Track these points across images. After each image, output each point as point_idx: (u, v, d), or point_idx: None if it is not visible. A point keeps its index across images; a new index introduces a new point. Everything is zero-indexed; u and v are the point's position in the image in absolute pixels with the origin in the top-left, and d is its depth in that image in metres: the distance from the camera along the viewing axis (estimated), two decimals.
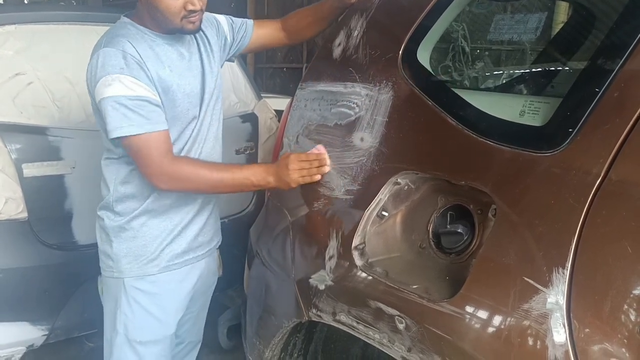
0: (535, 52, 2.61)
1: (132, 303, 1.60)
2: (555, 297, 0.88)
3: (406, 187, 1.26)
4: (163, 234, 1.60)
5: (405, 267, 1.22)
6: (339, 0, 1.63)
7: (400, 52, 1.36)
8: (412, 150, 1.26)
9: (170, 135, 1.49)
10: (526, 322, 0.91)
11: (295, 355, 1.55)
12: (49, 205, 2.13)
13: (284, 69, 7.17)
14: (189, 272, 1.68)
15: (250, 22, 1.77)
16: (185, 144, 1.56)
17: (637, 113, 0.89)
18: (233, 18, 1.75)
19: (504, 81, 2.33)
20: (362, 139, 1.35)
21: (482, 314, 0.98)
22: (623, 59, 0.95)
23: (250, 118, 2.74)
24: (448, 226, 1.18)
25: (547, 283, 0.90)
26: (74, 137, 2.14)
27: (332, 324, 1.30)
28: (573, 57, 2.10)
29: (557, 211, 0.93)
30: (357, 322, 1.21)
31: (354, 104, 1.41)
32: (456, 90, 1.28)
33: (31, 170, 2.04)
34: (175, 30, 1.47)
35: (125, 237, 1.58)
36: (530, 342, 0.90)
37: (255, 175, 1.47)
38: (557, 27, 2.37)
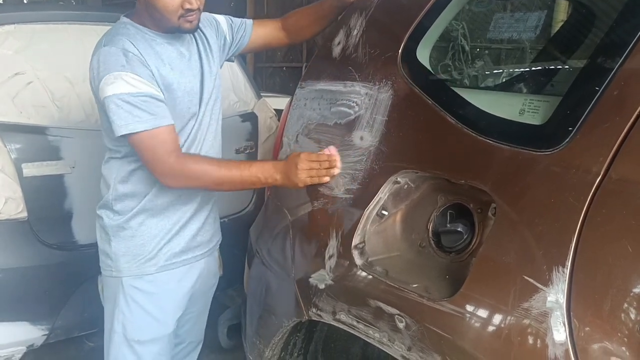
0: (535, 50, 2.61)
1: (130, 302, 1.60)
2: (556, 295, 0.88)
3: (406, 186, 1.26)
4: (161, 233, 1.60)
5: (405, 266, 1.22)
6: (339, 0, 1.63)
7: (400, 50, 1.36)
8: (411, 149, 1.26)
9: None
10: (526, 321, 0.91)
11: (296, 354, 1.55)
12: (49, 205, 2.12)
13: (284, 68, 7.17)
14: (187, 272, 1.68)
15: (249, 21, 1.77)
16: (184, 142, 1.56)
17: (637, 111, 0.89)
18: (232, 18, 1.75)
19: (504, 80, 2.33)
20: (361, 138, 1.35)
21: (482, 313, 0.98)
22: (623, 58, 0.95)
23: (250, 117, 2.73)
24: (448, 225, 1.18)
25: (547, 282, 0.90)
26: (73, 136, 2.14)
27: (332, 323, 1.30)
28: (573, 56, 2.09)
29: (557, 210, 0.93)
30: (357, 321, 1.21)
31: (353, 102, 1.41)
32: (456, 89, 1.28)
33: (31, 170, 2.04)
34: (173, 29, 1.47)
35: (123, 236, 1.58)
36: (531, 341, 0.90)
37: (264, 172, 1.45)
38: (557, 26, 2.37)
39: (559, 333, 0.87)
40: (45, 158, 2.08)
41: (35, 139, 2.07)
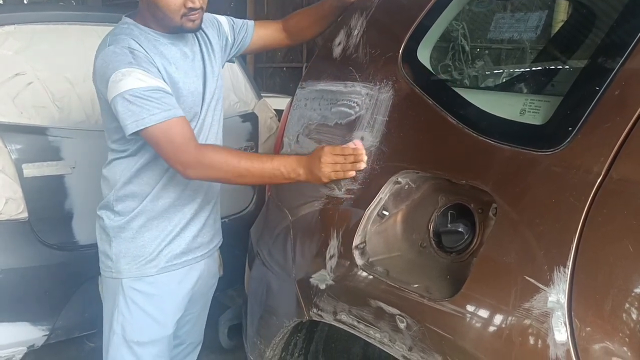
0: (536, 50, 2.60)
1: (130, 304, 1.60)
2: (557, 296, 0.88)
3: (407, 186, 1.26)
4: (162, 234, 1.60)
5: (406, 266, 1.22)
6: (339, 0, 1.63)
7: (401, 51, 1.36)
8: (412, 149, 1.26)
9: None
10: (527, 321, 0.91)
11: (296, 354, 1.55)
12: (49, 206, 2.12)
13: (284, 68, 7.17)
14: (187, 273, 1.68)
15: (251, 22, 1.77)
16: None
17: (638, 111, 0.89)
18: (234, 19, 1.75)
19: (504, 80, 2.33)
20: (362, 138, 1.35)
21: (483, 313, 0.98)
22: (623, 58, 0.95)
23: (251, 117, 2.73)
24: (449, 225, 1.18)
25: (548, 282, 0.90)
26: (74, 137, 2.14)
27: (333, 323, 1.29)
28: (573, 56, 2.09)
29: (558, 210, 0.93)
30: (358, 322, 1.21)
31: (354, 103, 1.41)
32: (456, 89, 1.28)
33: (31, 170, 2.04)
34: (176, 28, 1.47)
35: (124, 238, 1.58)
36: (532, 341, 0.90)
37: (286, 166, 1.37)
38: (557, 26, 2.37)
39: (560, 333, 0.87)
40: (46, 158, 2.08)
41: (36, 139, 2.07)
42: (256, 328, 1.63)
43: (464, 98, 1.22)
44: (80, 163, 2.14)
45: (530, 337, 0.90)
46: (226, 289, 2.68)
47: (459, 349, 1.00)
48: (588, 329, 0.85)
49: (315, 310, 1.33)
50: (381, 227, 1.28)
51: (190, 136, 1.41)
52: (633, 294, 0.82)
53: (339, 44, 1.55)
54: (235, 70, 2.80)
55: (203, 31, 1.60)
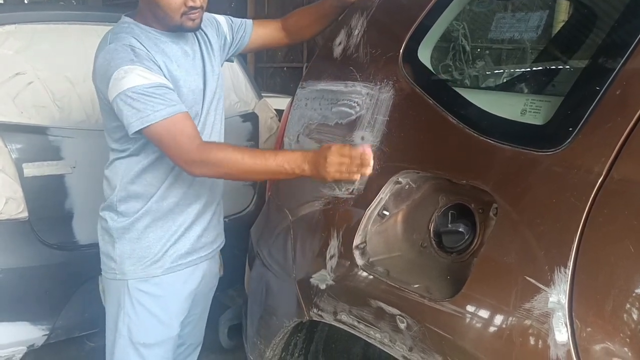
0: (536, 50, 2.60)
1: (136, 305, 1.59)
2: (557, 296, 0.88)
3: (407, 186, 1.26)
4: (167, 235, 1.59)
5: (406, 267, 1.22)
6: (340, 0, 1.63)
7: (401, 51, 1.36)
8: (413, 149, 1.26)
9: None
10: (528, 322, 0.91)
11: (296, 354, 1.55)
12: (50, 205, 2.12)
13: (285, 68, 7.17)
14: (192, 273, 1.68)
15: (249, 21, 1.77)
16: None
17: (639, 111, 0.89)
18: (232, 18, 1.75)
19: (505, 80, 2.33)
20: (363, 138, 1.35)
21: (484, 314, 0.98)
22: (625, 58, 0.95)
23: (251, 117, 2.73)
24: (449, 225, 1.18)
25: (548, 282, 0.90)
26: (74, 136, 2.14)
27: (333, 323, 1.29)
28: (574, 56, 2.09)
29: (558, 210, 0.93)
30: (358, 322, 1.21)
31: (354, 103, 1.41)
32: (457, 89, 1.28)
33: (31, 170, 2.04)
34: (176, 27, 1.47)
35: (129, 239, 1.57)
36: (532, 342, 0.90)
37: (290, 162, 1.34)
38: (558, 26, 2.37)
39: (561, 334, 0.87)
40: (46, 158, 2.08)
41: (36, 139, 2.07)
42: (256, 328, 1.63)
43: (464, 98, 1.22)
44: (81, 163, 2.14)
45: (530, 338, 0.90)
46: (226, 289, 2.68)
47: (459, 349, 1.00)
48: (589, 329, 0.85)
49: (315, 310, 1.33)
50: (382, 227, 1.28)
51: (194, 132, 1.41)
52: (634, 294, 0.82)
53: (340, 43, 1.55)
54: (235, 70, 2.80)
55: (202, 30, 1.59)
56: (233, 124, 2.57)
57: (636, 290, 0.82)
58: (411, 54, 1.35)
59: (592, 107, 0.95)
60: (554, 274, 0.89)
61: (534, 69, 2.30)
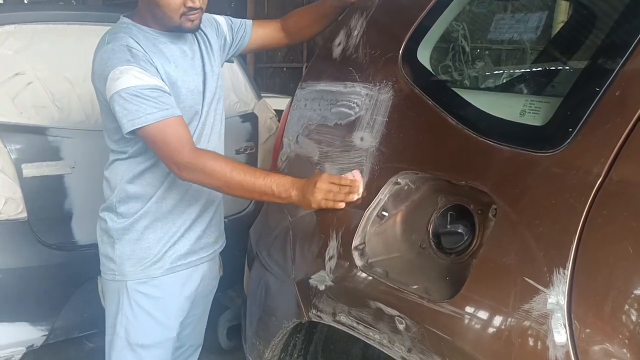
0: (536, 51, 2.60)
1: (135, 306, 1.59)
2: (556, 297, 0.88)
3: (406, 187, 1.26)
4: (166, 235, 1.59)
5: (405, 268, 1.22)
6: (339, 0, 1.63)
7: (401, 51, 1.36)
8: (412, 150, 1.26)
9: None
10: (527, 323, 0.91)
11: (295, 355, 1.54)
12: (49, 206, 2.12)
13: (284, 68, 7.17)
14: (191, 275, 1.68)
15: (249, 22, 1.77)
16: None
17: (638, 112, 0.89)
18: (232, 18, 1.75)
19: (505, 81, 2.33)
20: (362, 139, 1.35)
21: (483, 315, 0.98)
22: (624, 58, 0.95)
23: (250, 118, 2.73)
24: (448, 226, 1.18)
25: (547, 283, 0.89)
26: (73, 137, 2.14)
27: (332, 324, 1.29)
28: (574, 57, 2.09)
29: (557, 211, 0.93)
30: (357, 323, 1.21)
31: (354, 103, 1.40)
32: (456, 90, 1.28)
33: (31, 170, 2.04)
34: (175, 28, 1.47)
35: (129, 240, 1.57)
36: (531, 343, 0.90)
37: (279, 185, 1.36)
38: (558, 27, 2.37)
39: (560, 335, 0.87)
40: (45, 158, 2.08)
41: (35, 139, 2.07)
42: (255, 329, 1.63)
43: (464, 99, 1.22)
44: (80, 163, 2.14)
45: (529, 339, 0.90)
46: (226, 290, 2.68)
47: (458, 351, 1.00)
48: (588, 330, 0.85)
49: (314, 311, 1.33)
50: (381, 228, 1.28)
51: (187, 137, 1.41)
52: (633, 295, 0.82)
53: (339, 44, 1.55)
54: (235, 70, 2.80)
55: (202, 31, 1.59)
56: (232, 124, 2.57)
57: (635, 292, 0.82)
58: (410, 55, 1.35)
59: (591, 108, 0.95)
60: (553, 275, 0.89)
61: (534, 69, 2.30)
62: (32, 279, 2.08)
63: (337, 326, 1.28)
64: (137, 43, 1.42)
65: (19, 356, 2.13)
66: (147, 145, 1.45)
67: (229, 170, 1.39)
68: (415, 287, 1.13)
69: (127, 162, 1.54)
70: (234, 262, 2.02)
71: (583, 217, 0.89)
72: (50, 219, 2.13)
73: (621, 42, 0.99)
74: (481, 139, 1.10)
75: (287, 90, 5.95)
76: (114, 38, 1.42)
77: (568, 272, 0.88)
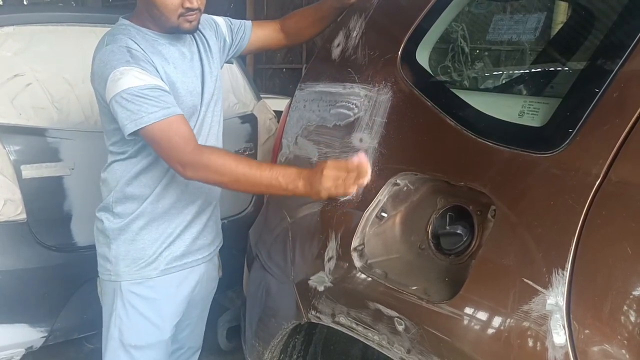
0: (535, 52, 2.60)
1: (128, 307, 1.59)
2: (555, 298, 0.88)
3: (405, 188, 1.26)
4: (162, 236, 1.59)
5: (404, 268, 1.22)
6: (338, 1, 1.63)
7: (399, 52, 1.36)
8: (411, 151, 1.26)
9: None
10: (526, 324, 0.91)
11: (295, 357, 1.54)
12: (48, 207, 2.12)
13: (284, 69, 7.17)
14: (187, 277, 1.67)
15: (248, 23, 1.77)
16: None
17: (637, 113, 0.89)
18: (231, 20, 1.75)
19: (503, 81, 2.33)
20: (361, 140, 1.35)
21: (482, 316, 0.98)
22: (622, 59, 0.95)
23: (250, 119, 2.73)
24: (447, 227, 1.18)
25: (546, 284, 0.90)
26: (72, 138, 2.14)
27: (331, 325, 1.29)
28: (572, 58, 2.09)
29: (556, 212, 0.93)
30: (357, 324, 1.21)
31: (353, 104, 1.41)
32: (455, 91, 1.28)
33: (30, 171, 2.04)
34: (173, 29, 1.47)
35: (124, 240, 1.57)
36: (530, 344, 0.90)
37: (285, 176, 1.31)
38: (557, 28, 2.37)
39: (559, 336, 0.87)
40: (45, 160, 2.08)
41: (35, 140, 2.07)
42: (255, 330, 1.63)
43: (462, 100, 1.22)
44: (79, 164, 2.13)
45: (528, 340, 0.90)
46: (225, 291, 2.67)
47: (457, 352, 1.00)
48: (587, 331, 0.85)
49: (313, 312, 1.33)
50: (380, 229, 1.28)
51: (190, 135, 1.40)
52: (632, 296, 0.82)
53: (338, 45, 1.55)
54: (234, 72, 2.80)
55: (201, 32, 1.59)
56: (232, 126, 2.57)
57: (634, 292, 0.82)
58: (409, 56, 1.35)
59: (590, 108, 0.95)
60: (552, 276, 0.89)
61: (532, 70, 2.31)
62: (31, 280, 2.08)
63: (336, 327, 1.28)
64: (136, 44, 1.42)
65: (18, 357, 2.13)
66: (149, 146, 1.45)
67: (235, 165, 1.36)
68: (415, 288, 1.13)
69: (125, 163, 1.54)
70: (233, 263, 2.02)
71: (582, 218, 0.89)
72: (49, 221, 2.12)
73: (620, 43, 0.99)
74: (480, 140, 1.10)
75: (286, 91, 5.95)
76: (113, 39, 1.42)
77: (567, 273, 0.88)
